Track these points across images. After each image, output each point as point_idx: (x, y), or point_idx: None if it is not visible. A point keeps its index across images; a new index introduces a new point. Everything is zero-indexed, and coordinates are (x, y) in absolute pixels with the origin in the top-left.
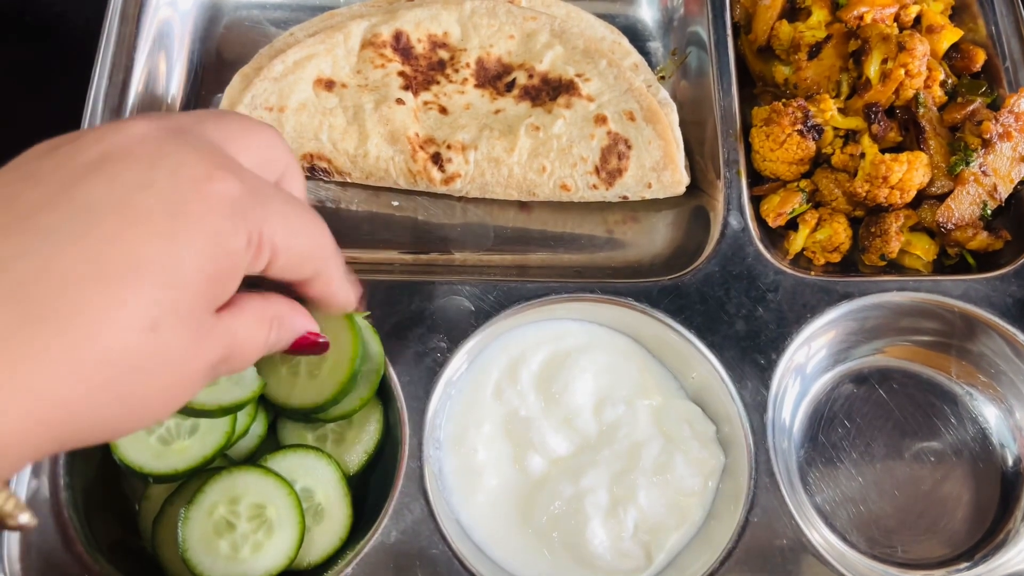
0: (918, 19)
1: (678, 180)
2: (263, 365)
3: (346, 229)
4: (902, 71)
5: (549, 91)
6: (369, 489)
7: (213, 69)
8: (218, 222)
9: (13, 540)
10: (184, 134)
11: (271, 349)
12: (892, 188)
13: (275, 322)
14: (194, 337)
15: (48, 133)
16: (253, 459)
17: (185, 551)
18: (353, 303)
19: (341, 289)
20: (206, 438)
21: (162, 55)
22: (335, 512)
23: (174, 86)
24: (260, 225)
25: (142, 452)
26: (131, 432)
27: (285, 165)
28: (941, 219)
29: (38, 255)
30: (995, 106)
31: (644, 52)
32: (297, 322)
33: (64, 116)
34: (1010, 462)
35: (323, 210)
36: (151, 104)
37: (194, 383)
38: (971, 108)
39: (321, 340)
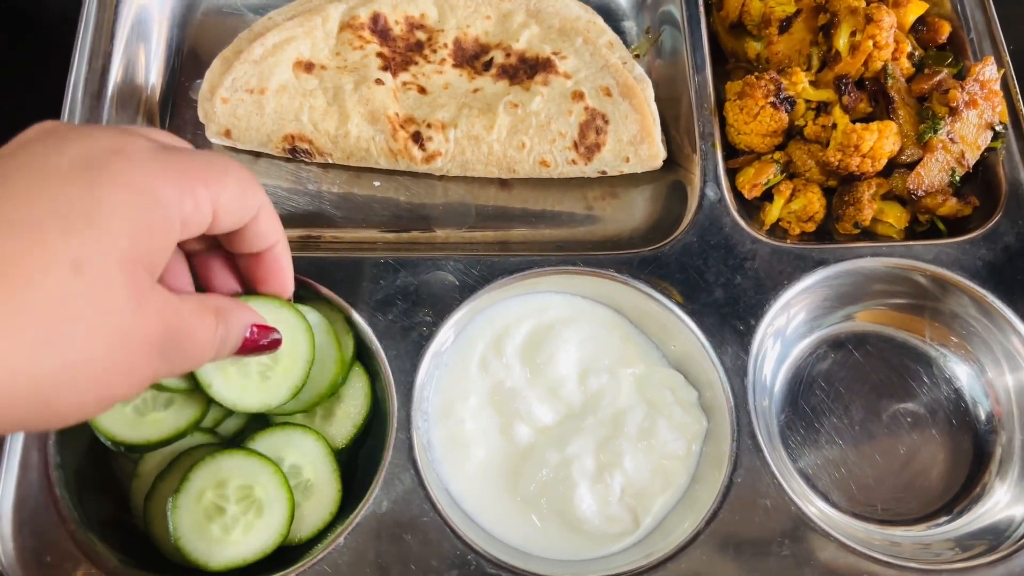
0: None
1: (655, 154)
2: (212, 370)
3: (328, 210)
4: (870, 43)
5: (526, 69)
6: (359, 462)
7: (192, 55)
8: (144, 174)
9: (5, 520)
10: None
11: (222, 345)
12: (864, 157)
13: (220, 313)
14: (130, 290)
15: (27, 121)
16: (243, 435)
17: (178, 539)
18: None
19: (285, 253)
20: (181, 412)
21: (141, 42)
22: (324, 487)
23: (154, 72)
24: (196, 183)
25: (116, 421)
26: (93, 410)
27: (260, 204)
28: (912, 186)
29: None
30: (961, 76)
31: (618, 31)
32: (244, 315)
33: (44, 103)
34: (983, 418)
35: (305, 191)
36: (131, 91)
37: (143, 354)
38: (938, 78)
39: (275, 336)
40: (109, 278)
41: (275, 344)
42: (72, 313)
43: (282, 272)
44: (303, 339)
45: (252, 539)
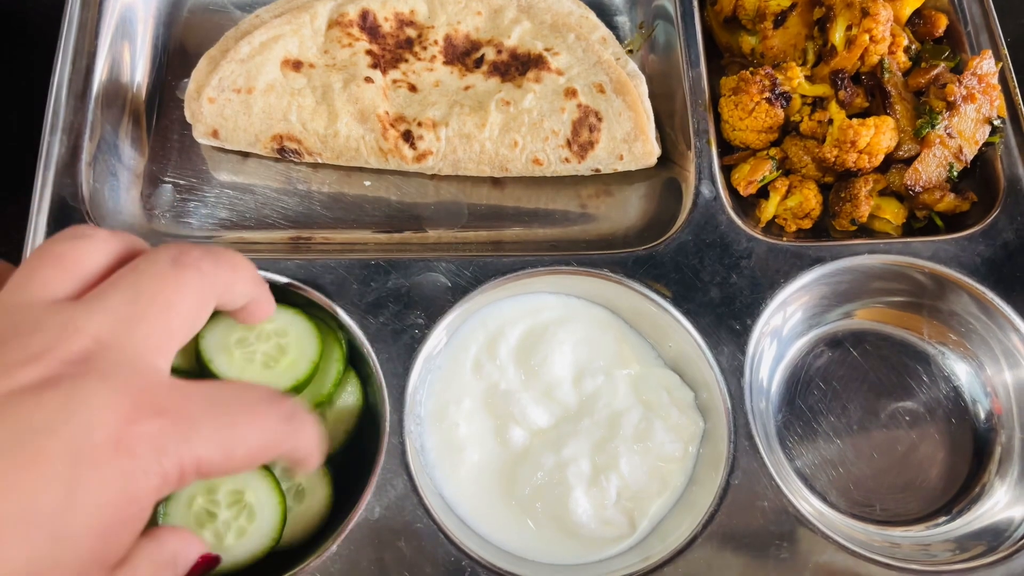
0: None
1: (649, 151)
2: (215, 347)
3: (318, 210)
4: (867, 37)
5: (518, 66)
6: (351, 467)
7: (179, 53)
8: (127, 467)
9: None
10: (118, 357)
11: None
12: (860, 152)
13: (172, 562)
14: None
15: (13, 121)
16: None
17: None
18: None
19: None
20: None
21: (126, 41)
22: (316, 491)
23: (139, 72)
24: (183, 455)
25: None
26: None
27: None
28: (909, 182)
29: None
30: (958, 70)
31: (611, 26)
32: (192, 550)
33: (28, 104)
34: (982, 417)
35: (295, 191)
36: (117, 91)
37: None
38: (935, 72)
39: (213, 556)
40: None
41: (215, 562)
42: None
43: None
44: (310, 340)
45: (245, 544)
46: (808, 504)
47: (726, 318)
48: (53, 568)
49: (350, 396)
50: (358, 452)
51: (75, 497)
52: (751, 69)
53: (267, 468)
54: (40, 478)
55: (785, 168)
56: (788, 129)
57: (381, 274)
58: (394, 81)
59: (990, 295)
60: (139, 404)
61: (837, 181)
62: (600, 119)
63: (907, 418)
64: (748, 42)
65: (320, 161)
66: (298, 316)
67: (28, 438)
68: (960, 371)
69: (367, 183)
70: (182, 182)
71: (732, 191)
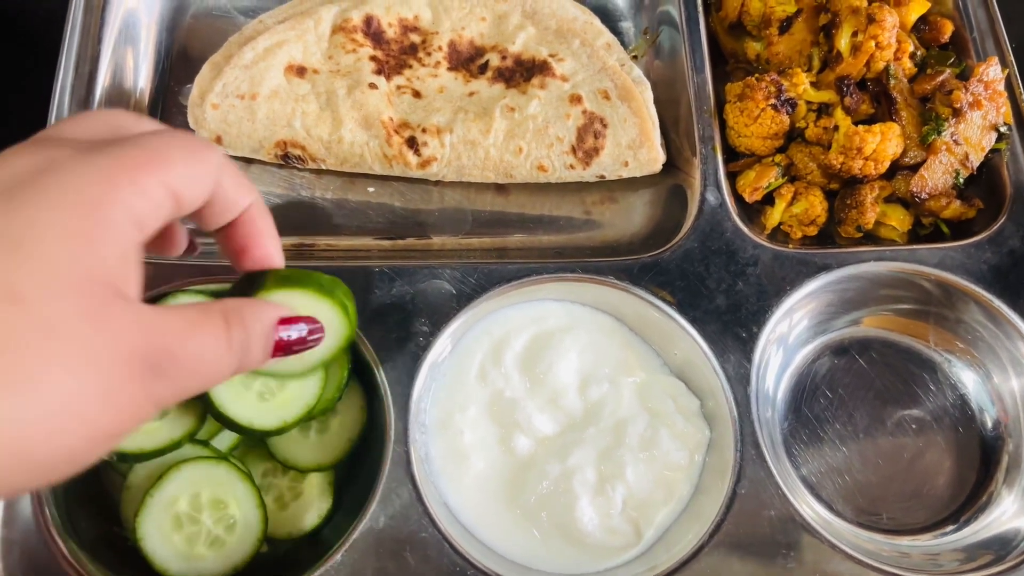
0: None
1: (654, 158)
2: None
3: (322, 217)
4: (872, 43)
5: (523, 72)
6: (356, 476)
7: (182, 59)
8: (76, 184)
9: None
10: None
11: (244, 353)
12: (866, 159)
13: (230, 317)
14: (84, 310)
15: (15, 127)
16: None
17: (153, 560)
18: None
19: (263, 214)
20: (176, 422)
21: (129, 46)
22: (320, 499)
23: (142, 77)
24: (139, 173)
25: None
26: (86, 450)
27: (216, 166)
28: (915, 189)
29: None
30: (964, 76)
31: (616, 32)
32: (264, 311)
33: (31, 110)
34: (989, 426)
35: (298, 198)
36: (119, 96)
37: (122, 377)
38: (941, 79)
39: (312, 326)
40: (55, 302)
41: (317, 336)
42: (19, 348)
43: (261, 235)
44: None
45: (225, 553)
46: (815, 513)
47: (732, 325)
48: (32, 280)
49: (354, 405)
50: (363, 461)
51: (23, 216)
52: (756, 75)
53: (250, 478)
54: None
55: (791, 175)
56: (793, 135)
57: (385, 281)
58: (398, 87)
59: (997, 303)
60: (96, 142)
61: (843, 188)
62: (605, 125)
63: (913, 426)
64: (753, 48)
65: (324, 167)
66: (309, 298)
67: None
68: (967, 379)
69: (371, 189)
70: None
71: (737, 197)
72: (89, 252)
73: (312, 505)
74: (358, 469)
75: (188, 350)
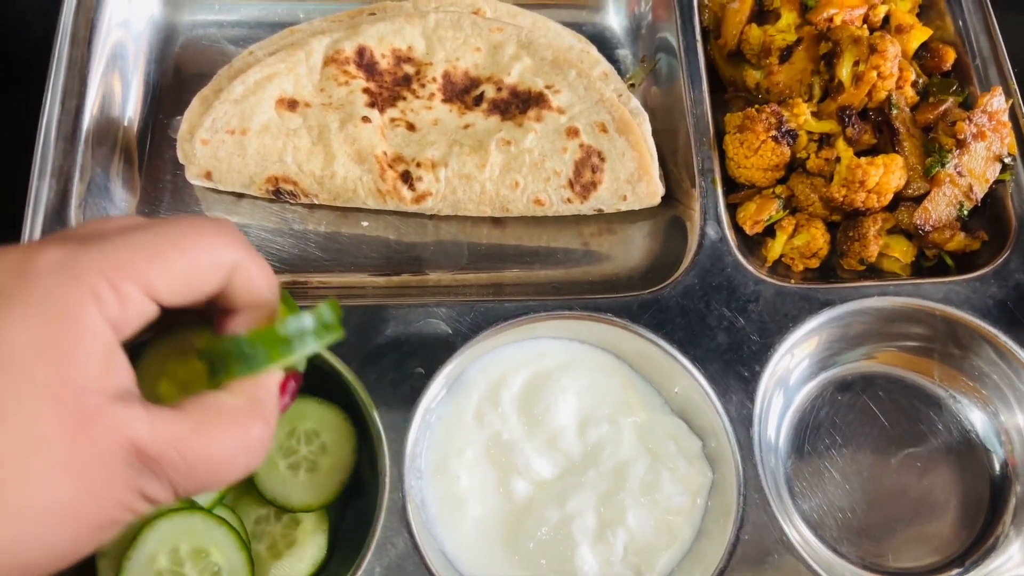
0: (887, 19)
1: (653, 191)
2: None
3: (315, 252)
4: (874, 73)
5: (519, 104)
6: (350, 523)
7: (171, 90)
8: (50, 292)
9: None
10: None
11: (262, 445)
12: (869, 192)
13: (257, 408)
14: (61, 418)
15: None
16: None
17: None
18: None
19: (261, 275)
20: None
21: (116, 78)
22: (311, 545)
23: (130, 109)
24: (117, 277)
25: None
26: (71, 550)
27: (231, 265)
28: (918, 221)
29: None
30: (967, 105)
31: (613, 60)
32: (274, 383)
33: (17, 144)
34: (997, 466)
35: (290, 233)
36: (107, 131)
37: (103, 479)
38: (943, 108)
39: (291, 384)
40: (32, 414)
41: (295, 389)
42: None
43: (266, 319)
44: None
45: None
46: (819, 557)
47: (734, 364)
48: (8, 394)
49: (345, 445)
50: (356, 508)
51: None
52: (756, 106)
53: (234, 530)
54: None
55: (792, 207)
56: (794, 166)
57: (379, 322)
58: (392, 120)
59: (1003, 339)
60: (82, 242)
61: (845, 220)
62: (603, 159)
63: (919, 465)
64: (752, 76)
65: (316, 202)
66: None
67: None
68: (974, 417)
69: (364, 223)
70: None
71: (738, 229)
72: (65, 361)
73: (306, 553)
74: (353, 516)
75: (191, 453)
